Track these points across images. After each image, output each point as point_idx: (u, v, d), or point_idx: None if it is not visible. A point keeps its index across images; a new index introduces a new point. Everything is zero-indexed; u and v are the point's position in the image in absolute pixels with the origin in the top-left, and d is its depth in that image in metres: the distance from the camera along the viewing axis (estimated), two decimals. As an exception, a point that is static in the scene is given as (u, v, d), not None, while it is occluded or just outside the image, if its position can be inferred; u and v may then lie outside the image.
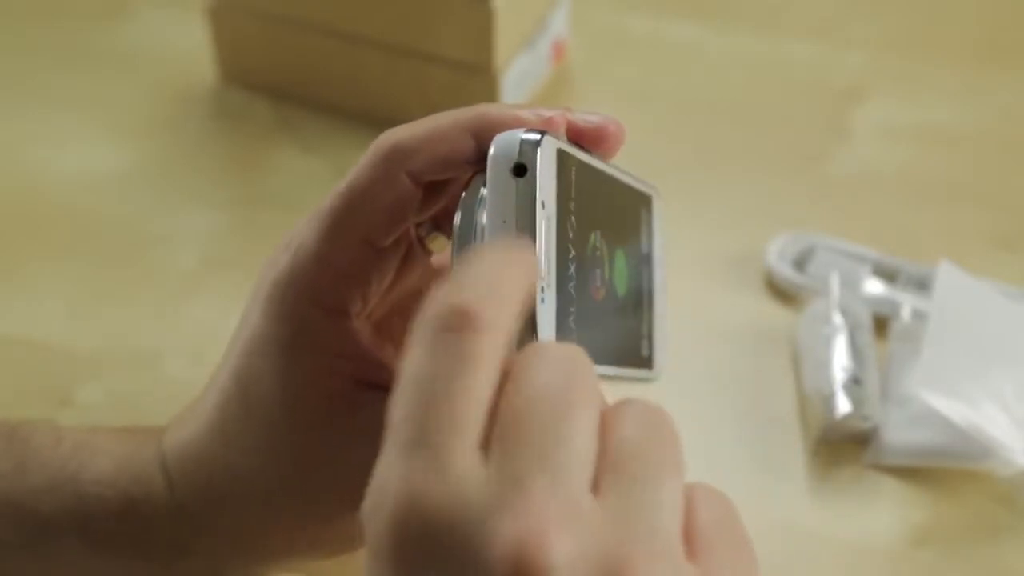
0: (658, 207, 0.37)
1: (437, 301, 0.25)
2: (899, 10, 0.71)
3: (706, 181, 0.59)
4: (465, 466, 0.24)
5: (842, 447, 0.47)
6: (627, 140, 0.34)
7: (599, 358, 0.32)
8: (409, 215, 0.33)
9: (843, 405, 0.46)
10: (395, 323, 0.37)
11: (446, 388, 0.24)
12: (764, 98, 0.65)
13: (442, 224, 0.37)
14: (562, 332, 0.31)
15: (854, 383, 0.47)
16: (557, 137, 0.31)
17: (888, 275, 0.53)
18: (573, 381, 0.25)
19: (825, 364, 0.48)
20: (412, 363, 0.25)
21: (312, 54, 0.60)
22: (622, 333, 0.35)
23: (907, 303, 0.51)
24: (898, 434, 0.47)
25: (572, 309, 0.31)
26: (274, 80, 0.62)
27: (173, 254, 0.55)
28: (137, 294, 0.53)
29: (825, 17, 0.70)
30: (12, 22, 0.69)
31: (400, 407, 0.25)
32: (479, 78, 0.57)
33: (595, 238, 0.33)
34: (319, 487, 0.35)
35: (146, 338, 0.51)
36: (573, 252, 0.32)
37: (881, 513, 0.45)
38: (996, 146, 0.62)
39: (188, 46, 0.65)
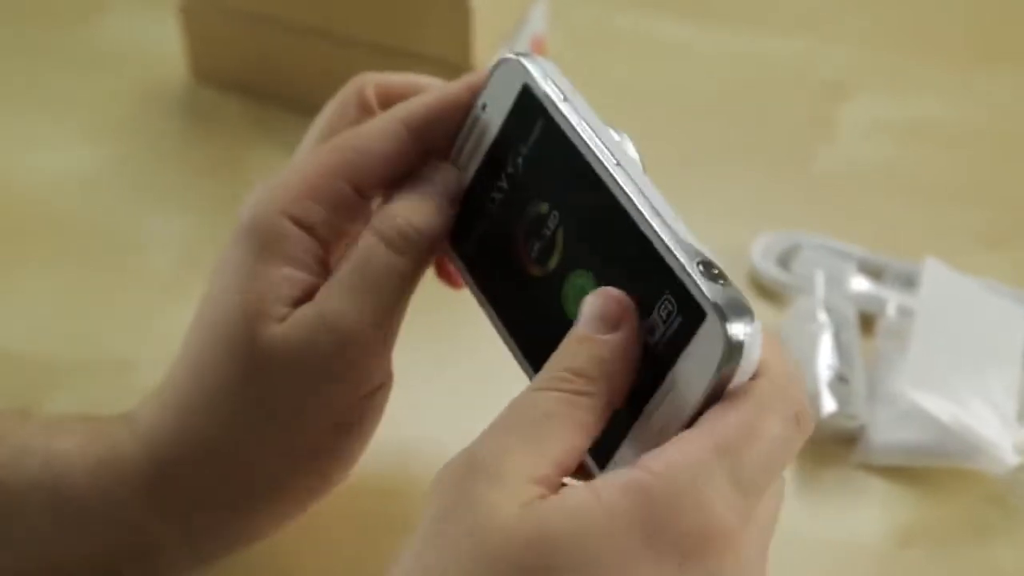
0: (709, 340, 0.29)
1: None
2: (885, 6, 0.70)
3: (690, 179, 0.58)
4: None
5: (828, 447, 0.46)
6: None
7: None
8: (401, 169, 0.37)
9: (828, 403, 0.46)
10: None
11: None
12: (748, 95, 0.64)
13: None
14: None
15: (840, 381, 0.47)
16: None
17: (874, 272, 0.53)
18: None
19: (810, 362, 0.47)
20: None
21: (286, 52, 0.59)
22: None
23: (893, 300, 0.51)
24: (885, 433, 0.46)
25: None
26: (248, 79, 0.61)
27: (147, 258, 0.54)
28: (110, 299, 0.52)
29: (810, 13, 0.69)
30: (-18, 23, 0.68)
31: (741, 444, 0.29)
32: (457, 76, 0.56)
33: (550, 216, 0.34)
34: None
35: (119, 345, 0.50)
36: (505, 185, 0.35)
37: (868, 513, 0.45)
38: (983, 143, 0.61)
39: (161, 44, 0.64)
